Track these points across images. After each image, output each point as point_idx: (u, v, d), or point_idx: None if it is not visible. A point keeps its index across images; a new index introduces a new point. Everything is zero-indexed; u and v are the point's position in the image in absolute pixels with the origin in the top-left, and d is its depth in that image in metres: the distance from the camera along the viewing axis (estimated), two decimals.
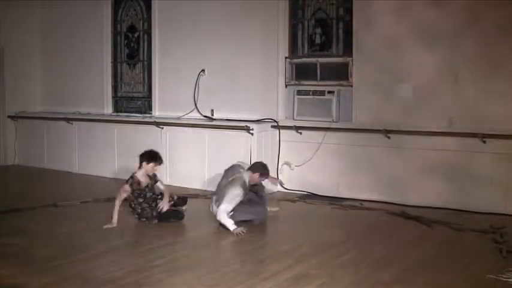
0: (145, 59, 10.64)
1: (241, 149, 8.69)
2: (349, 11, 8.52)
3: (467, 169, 7.62)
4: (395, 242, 6.17)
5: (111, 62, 11.05)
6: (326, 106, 8.68)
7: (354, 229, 6.87)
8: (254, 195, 6.93)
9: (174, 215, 7.00)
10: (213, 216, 6.70)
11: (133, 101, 10.87)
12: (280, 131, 8.96)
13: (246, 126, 8.65)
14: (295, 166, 8.87)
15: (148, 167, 7.00)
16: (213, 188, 8.12)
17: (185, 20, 9.76)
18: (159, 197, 7.04)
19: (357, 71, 8.43)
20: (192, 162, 9.23)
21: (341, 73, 8.61)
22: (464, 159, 7.63)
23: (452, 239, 6.37)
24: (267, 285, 4.84)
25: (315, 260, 5.50)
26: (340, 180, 8.53)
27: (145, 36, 10.61)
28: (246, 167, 7.04)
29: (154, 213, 6.88)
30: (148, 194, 6.95)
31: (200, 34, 9.58)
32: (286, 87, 9.14)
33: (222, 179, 6.98)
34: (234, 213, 6.54)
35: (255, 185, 6.93)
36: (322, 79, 8.81)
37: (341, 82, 8.61)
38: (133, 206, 6.94)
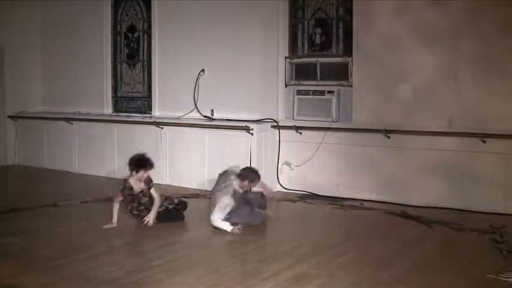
0: (145, 59, 10.63)
1: (241, 149, 8.69)
2: (349, 11, 8.52)
3: (467, 169, 7.62)
4: (395, 242, 6.17)
5: (111, 62, 11.05)
6: (326, 106, 8.68)
7: (354, 229, 6.87)
8: (247, 200, 6.87)
9: (175, 216, 6.98)
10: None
11: (133, 101, 10.87)
12: (280, 131, 8.96)
13: (246, 126, 8.65)
14: (295, 166, 8.87)
15: (138, 175, 6.82)
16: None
17: (185, 20, 9.76)
18: (171, 205, 7.03)
19: (356, 71, 8.43)
20: (192, 162, 9.23)
21: (341, 73, 8.61)
22: (464, 159, 7.63)
23: (452, 239, 6.37)
24: (267, 285, 4.84)
25: (315, 260, 5.50)
26: (340, 180, 8.53)
27: (145, 36, 10.61)
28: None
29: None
30: (144, 199, 6.84)
31: (200, 34, 9.57)
32: (286, 87, 9.14)
33: (215, 185, 6.88)
34: (229, 217, 6.53)
35: (247, 190, 6.87)
36: (322, 79, 8.81)
37: (341, 82, 8.61)
38: (129, 208, 6.91)
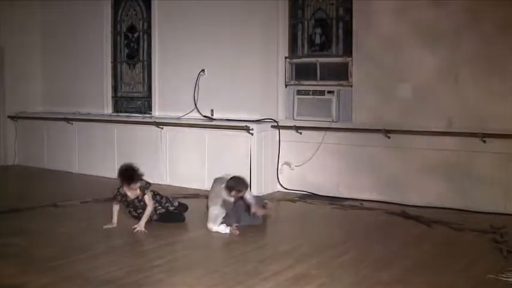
0: (145, 59, 10.63)
1: (241, 149, 8.70)
2: (349, 11, 8.53)
3: (467, 169, 7.62)
4: (395, 242, 6.17)
5: (111, 62, 11.05)
6: (326, 106, 8.68)
7: (354, 229, 6.87)
8: (246, 204, 6.84)
9: (175, 217, 6.97)
10: None
11: (133, 101, 10.87)
12: (280, 131, 8.96)
13: (246, 126, 8.64)
14: (295, 166, 8.87)
15: (127, 187, 6.70)
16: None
17: (185, 20, 9.76)
18: (172, 207, 7.00)
19: (356, 71, 8.43)
20: (192, 162, 9.23)
21: (341, 73, 8.62)
22: (464, 159, 7.64)
23: (452, 238, 6.37)
24: (267, 285, 4.83)
25: (315, 260, 5.50)
26: (340, 180, 8.53)
27: (145, 36, 10.61)
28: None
29: (155, 217, 6.84)
30: (139, 204, 6.74)
31: (200, 34, 9.57)
32: (286, 87, 9.15)
33: (210, 191, 6.83)
34: (229, 220, 6.53)
35: (239, 198, 6.77)
36: (322, 79, 8.82)
37: (341, 82, 8.62)
38: (128, 210, 6.87)
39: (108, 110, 11.07)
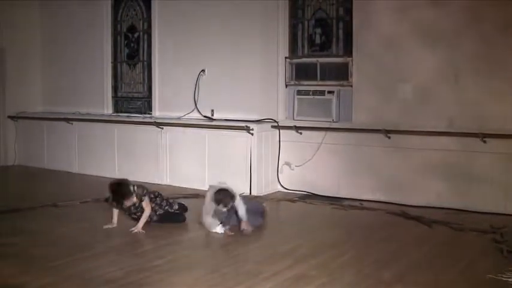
0: (145, 59, 10.63)
1: (241, 149, 8.70)
2: (349, 11, 8.53)
3: (467, 169, 7.62)
4: (396, 242, 6.17)
5: (111, 62, 11.04)
6: (326, 106, 8.68)
7: (354, 229, 6.86)
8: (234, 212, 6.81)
9: (175, 218, 6.96)
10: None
11: (133, 101, 10.87)
12: (280, 131, 8.96)
13: (246, 126, 8.64)
14: (295, 166, 8.87)
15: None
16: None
17: (185, 20, 9.75)
18: (171, 209, 6.98)
19: (357, 71, 8.43)
20: (192, 162, 9.23)
21: (341, 73, 8.62)
22: (465, 159, 7.63)
23: (453, 239, 6.38)
24: (267, 285, 4.83)
25: (315, 260, 5.50)
26: (340, 180, 8.53)
27: (145, 37, 10.61)
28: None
29: (155, 218, 6.84)
30: (136, 210, 6.70)
31: (200, 34, 9.56)
32: (286, 87, 9.15)
33: (205, 198, 6.74)
34: (228, 221, 6.51)
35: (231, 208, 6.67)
36: (322, 79, 8.82)
37: (341, 82, 8.62)
38: (126, 213, 6.87)
39: (109, 110, 11.07)
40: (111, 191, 6.63)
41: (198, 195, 8.35)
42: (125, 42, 10.94)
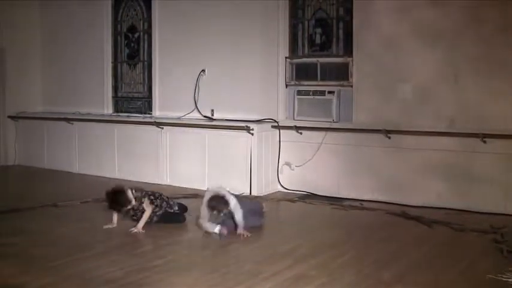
0: (145, 59, 10.63)
1: (242, 149, 8.70)
2: (350, 11, 8.53)
3: (467, 169, 7.62)
4: (396, 242, 6.17)
5: (112, 62, 11.05)
6: (326, 106, 8.68)
7: (354, 229, 6.86)
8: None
9: (175, 218, 6.96)
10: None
11: (133, 101, 10.87)
12: (281, 131, 8.96)
13: (246, 126, 8.64)
14: (296, 166, 8.87)
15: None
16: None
17: (185, 20, 9.75)
18: (171, 210, 6.96)
19: (357, 71, 8.43)
20: (192, 162, 9.23)
21: (341, 73, 8.62)
22: (465, 159, 7.63)
23: (453, 239, 6.37)
24: (267, 285, 4.83)
25: (315, 260, 5.50)
26: (340, 180, 8.53)
27: (146, 37, 10.61)
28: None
29: (155, 219, 6.83)
30: (135, 212, 6.69)
31: (200, 34, 9.56)
32: (286, 87, 9.15)
33: (203, 200, 6.70)
34: (227, 222, 6.51)
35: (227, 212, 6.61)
36: (322, 79, 8.82)
37: (341, 82, 8.62)
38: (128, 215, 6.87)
39: (109, 110, 11.07)
40: (108, 201, 6.61)
41: (198, 195, 8.35)
42: (125, 42, 10.94)
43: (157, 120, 9.72)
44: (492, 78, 7.49)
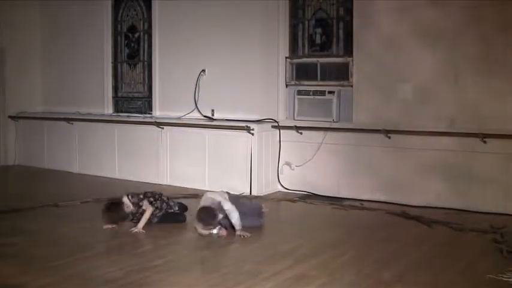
0: (145, 59, 10.63)
1: (242, 149, 8.70)
2: (350, 11, 8.53)
3: (467, 169, 7.62)
4: (396, 242, 6.17)
5: (112, 62, 11.05)
6: (326, 106, 8.68)
7: (354, 229, 6.86)
8: (242, 211, 6.76)
9: (175, 217, 6.96)
10: None
11: (133, 101, 10.87)
12: (281, 131, 8.96)
13: (247, 126, 8.64)
14: (296, 166, 8.87)
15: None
16: (212, 188, 8.13)
17: (185, 20, 9.75)
18: (171, 210, 6.96)
19: (357, 71, 8.43)
20: (192, 162, 9.23)
21: (341, 73, 8.62)
22: (465, 159, 7.63)
23: (453, 239, 6.37)
24: (267, 285, 4.83)
25: (315, 260, 5.50)
26: (340, 180, 8.53)
27: (146, 37, 10.61)
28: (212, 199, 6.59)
29: (155, 220, 6.83)
30: (132, 217, 6.70)
31: (200, 34, 9.56)
32: (286, 87, 9.16)
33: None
34: (222, 222, 6.51)
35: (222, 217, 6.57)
36: (322, 79, 8.82)
37: (341, 82, 8.62)
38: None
39: (109, 110, 11.08)
40: (106, 217, 6.59)
41: (198, 195, 8.34)
42: (125, 42, 10.94)
43: (157, 120, 9.73)
44: (492, 78, 7.50)
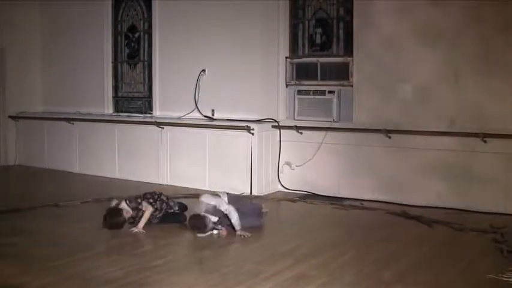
0: (145, 59, 10.63)
1: (242, 149, 8.70)
2: (350, 11, 8.53)
3: (467, 169, 7.62)
4: (396, 242, 6.17)
5: (112, 62, 11.05)
6: (327, 106, 8.68)
7: (354, 229, 6.86)
8: (241, 212, 6.76)
9: (175, 217, 6.95)
10: None
11: (133, 101, 10.87)
12: (281, 131, 8.96)
13: (247, 126, 8.64)
14: (296, 166, 8.87)
15: None
16: (213, 188, 8.15)
17: (185, 20, 9.75)
18: (171, 210, 6.97)
19: (357, 70, 8.43)
20: (192, 162, 9.23)
21: (341, 73, 8.62)
22: (465, 159, 7.63)
23: (453, 238, 6.37)
24: (267, 285, 4.83)
25: (315, 260, 5.50)
26: (341, 180, 8.53)
27: (146, 36, 10.61)
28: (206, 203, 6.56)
29: (155, 220, 6.83)
30: (132, 220, 6.68)
31: (201, 34, 9.56)
32: (286, 87, 9.15)
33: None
34: (221, 222, 6.50)
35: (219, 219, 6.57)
36: (322, 79, 8.82)
37: (342, 82, 8.62)
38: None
39: (109, 110, 11.07)
40: (107, 225, 6.56)
41: (198, 195, 8.34)
42: (126, 42, 10.94)
43: (157, 120, 9.72)
44: (492, 78, 7.49)
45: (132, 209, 6.63)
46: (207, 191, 7.99)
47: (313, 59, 8.90)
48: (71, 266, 5.31)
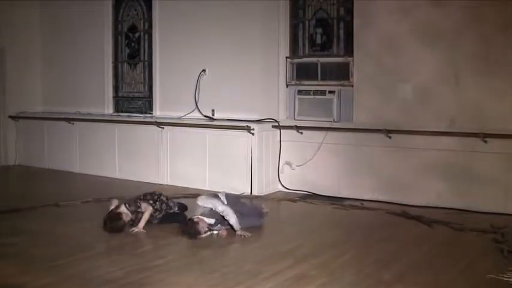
0: (146, 59, 10.63)
1: (242, 149, 8.70)
2: (350, 11, 8.53)
3: (467, 169, 7.61)
4: (396, 242, 6.17)
5: (112, 62, 11.05)
6: (327, 106, 8.68)
7: (354, 229, 6.86)
8: (241, 212, 6.76)
9: (176, 217, 6.95)
10: None
11: (134, 101, 10.87)
12: (281, 130, 8.96)
13: (247, 126, 8.64)
14: (296, 166, 8.87)
15: None
16: (213, 188, 8.15)
17: (186, 20, 9.75)
18: (171, 210, 6.97)
19: (357, 70, 8.43)
20: (192, 162, 9.23)
21: (342, 73, 8.62)
22: (465, 159, 7.63)
23: (453, 238, 6.37)
24: (267, 285, 4.83)
25: (316, 260, 5.50)
26: (341, 180, 8.53)
27: (146, 36, 10.61)
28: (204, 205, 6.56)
29: (155, 221, 6.82)
30: (132, 222, 6.67)
31: (201, 34, 9.56)
32: (287, 87, 9.15)
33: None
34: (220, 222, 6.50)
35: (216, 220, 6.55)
36: (323, 79, 8.82)
37: (342, 82, 8.62)
38: None
39: (109, 110, 11.07)
40: (108, 230, 6.54)
41: (198, 195, 8.34)
42: (126, 42, 10.94)
43: (158, 120, 9.73)
44: (492, 78, 7.49)
45: (131, 212, 6.62)
46: (207, 191, 8.01)
47: (314, 59, 8.90)
48: (71, 266, 5.32)
